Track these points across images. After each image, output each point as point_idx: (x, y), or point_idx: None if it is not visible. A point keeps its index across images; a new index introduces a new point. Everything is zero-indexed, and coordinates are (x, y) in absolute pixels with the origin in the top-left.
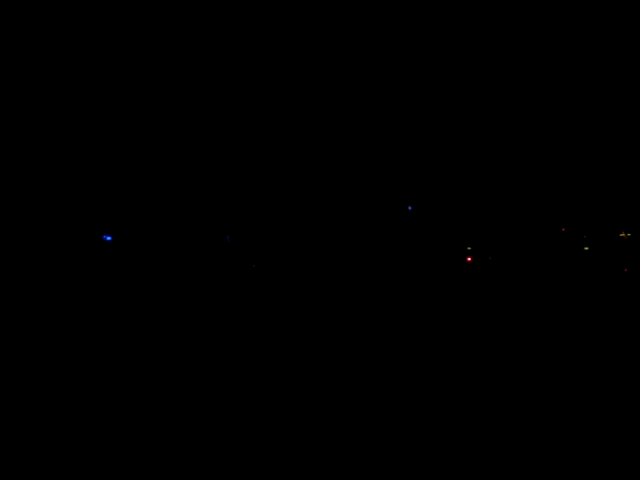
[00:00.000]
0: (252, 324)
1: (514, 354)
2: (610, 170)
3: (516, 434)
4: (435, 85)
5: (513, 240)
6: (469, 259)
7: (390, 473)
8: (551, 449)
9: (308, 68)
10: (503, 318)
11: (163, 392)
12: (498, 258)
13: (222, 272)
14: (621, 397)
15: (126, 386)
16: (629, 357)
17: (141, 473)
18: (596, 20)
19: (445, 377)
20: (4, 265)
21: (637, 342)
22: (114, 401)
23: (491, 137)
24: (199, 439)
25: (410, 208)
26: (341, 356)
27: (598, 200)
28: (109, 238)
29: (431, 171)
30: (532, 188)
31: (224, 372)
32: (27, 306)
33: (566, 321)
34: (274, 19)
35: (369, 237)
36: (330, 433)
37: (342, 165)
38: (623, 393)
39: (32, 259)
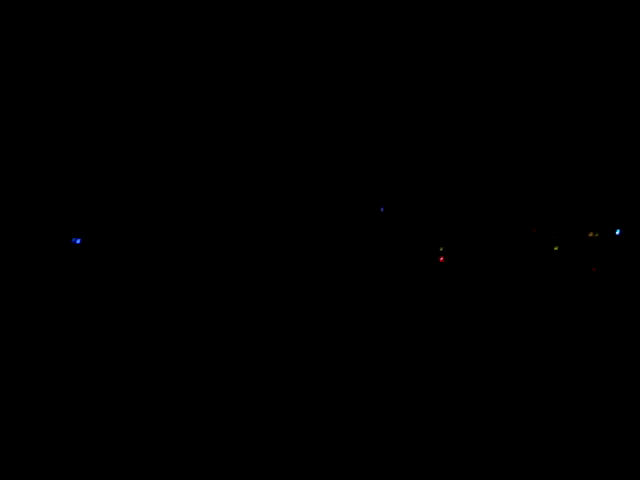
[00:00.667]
0: (235, 325)
1: (490, 354)
2: (581, 170)
3: (504, 435)
4: (415, 86)
5: (484, 240)
6: (441, 259)
7: (390, 473)
8: (545, 449)
9: (304, 67)
10: (478, 318)
11: (159, 391)
12: (469, 258)
13: (205, 272)
14: (597, 393)
15: (121, 386)
16: (603, 355)
17: (141, 473)
18: (596, 20)
19: (421, 378)
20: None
21: (606, 339)
22: (110, 401)
23: (464, 138)
24: (197, 439)
25: (382, 209)
26: (319, 356)
27: (568, 200)
28: (79, 241)
29: (404, 171)
30: (503, 189)
31: (221, 371)
32: (21, 305)
33: (539, 319)
34: (274, 19)
35: (342, 237)
36: (327, 432)
37: (315, 165)
38: (599, 390)
39: (28, 256)
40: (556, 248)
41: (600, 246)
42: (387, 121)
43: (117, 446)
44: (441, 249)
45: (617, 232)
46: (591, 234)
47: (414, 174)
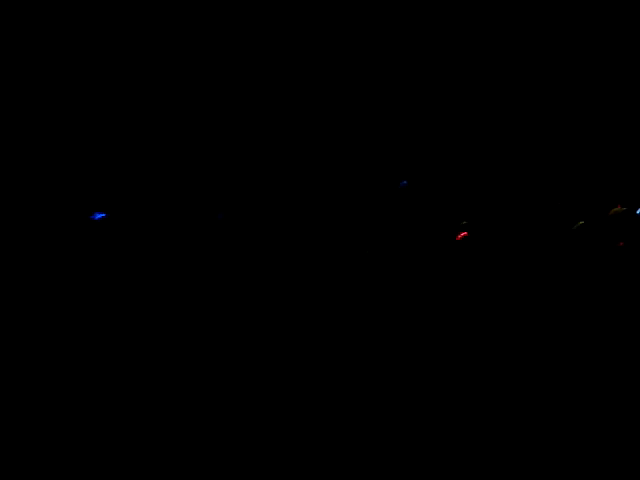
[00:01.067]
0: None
1: (510, 344)
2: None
3: (509, 432)
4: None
5: (509, 217)
6: (463, 234)
7: (389, 473)
8: (541, 448)
9: (306, 67)
10: (499, 304)
11: (160, 391)
12: (493, 235)
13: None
14: (615, 392)
15: (118, 385)
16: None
17: (141, 473)
18: (596, 20)
19: (438, 370)
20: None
21: (634, 330)
22: (110, 401)
23: (487, 121)
24: (197, 439)
25: (405, 182)
26: (334, 350)
27: (592, 174)
28: (99, 216)
29: (425, 148)
30: (529, 166)
31: (221, 368)
32: (21, 299)
33: (565, 307)
34: (274, 19)
35: (362, 213)
36: (326, 432)
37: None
38: (618, 388)
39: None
40: (581, 222)
41: (628, 221)
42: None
43: (117, 446)
44: (464, 223)
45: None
46: (619, 207)
47: (436, 151)
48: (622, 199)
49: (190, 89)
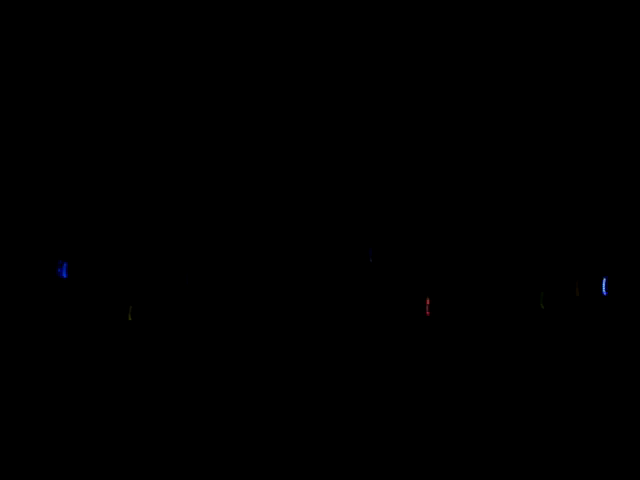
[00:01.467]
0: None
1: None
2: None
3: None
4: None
5: (474, 293)
6: (427, 312)
7: (389, 473)
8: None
9: (298, 70)
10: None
11: (159, 392)
12: (457, 311)
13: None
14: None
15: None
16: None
17: (141, 473)
18: (596, 20)
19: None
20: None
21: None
22: (110, 401)
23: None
24: (197, 439)
25: (370, 252)
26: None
27: (557, 251)
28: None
29: (392, 212)
30: (492, 239)
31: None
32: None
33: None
34: (274, 19)
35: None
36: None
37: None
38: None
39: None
40: (542, 306)
41: (588, 305)
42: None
43: (117, 446)
44: (428, 301)
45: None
46: (577, 292)
47: (402, 217)
48: (584, 279)
49: (188, 103)
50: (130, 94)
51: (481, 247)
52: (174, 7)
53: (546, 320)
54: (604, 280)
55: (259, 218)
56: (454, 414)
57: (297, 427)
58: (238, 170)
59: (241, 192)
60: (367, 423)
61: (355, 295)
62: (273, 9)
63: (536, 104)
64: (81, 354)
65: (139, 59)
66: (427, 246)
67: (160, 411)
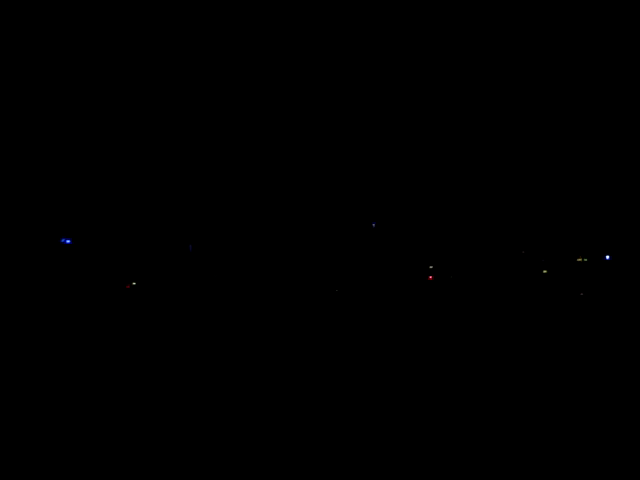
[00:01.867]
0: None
1: (473, 374)
2: (572, 194)
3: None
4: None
5: (474, 260)
6: (430, 277)
7: (388, 473)
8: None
9: (303, 72)
10: (464, 338)
11: (160, 392)
12: (459, 277)
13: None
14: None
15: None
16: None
17: (141, 473)
18: (596, 20)
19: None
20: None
21: (590, 362)
22: (111, 401)
23: (458, 156)
24: (197, 439)
25: (374, 224)
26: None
27: (557, 224)
28: (69, 241)
29: (397, 188)
30: (495, 210)
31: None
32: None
33: (524, 343)
34: (274, 19)
35: (333, 252)
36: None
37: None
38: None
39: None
40: (545, 271)
41: (589, 271)
42: (382, 133)
43: (117, 446)
44: (431, 267)
45: (606, 257)
46: (580, 259)
47: (407, 188)
48: (585, 248)
49: (188, 104)
50: (137, 90)
51: (485, 226)
52: (174, 8)
53: (547, 285)
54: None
55: (262, 200)
56: (458, 393)
57: (299, 403)
58: (242, 158)
59: (243, 178)
60: (373, 405)
61: (361, 262)
62: (273, 9)
63: (541, 102)
64: (84, 320)
65: (141, 60)
66: (431, 218)
67: (161, 392)
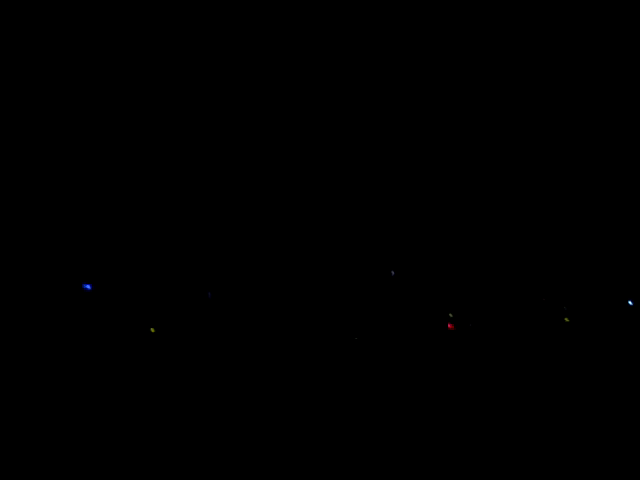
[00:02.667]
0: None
1: (494, 423)
2: (592, 241)
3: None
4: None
5: (494, 309)
6: (450, 326)
7: (387, 473)
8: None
9: (303, 69)
10: (485, 384)
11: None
12: (479, 326)
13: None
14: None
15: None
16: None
17: (141, 473)
18: (596, 20)
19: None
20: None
21: (614, 413)
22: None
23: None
24: (197, 439)
25: (393, 273)
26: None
27: (580, 270)
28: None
29: (415, 233)
30: (514, 258)
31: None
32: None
33: (545, 391)
34: (274, 19)
35: (352, 298)
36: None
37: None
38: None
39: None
40: (567, 320)
41: (612, 318)
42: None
43: (117, 446)
44: (450, 315)
45: (630, 303)
46: (602, 306)
47: (426, 237)
48: (606, 294)
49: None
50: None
51: (503, 264)
52: (174, 8)
53: (569, 333)
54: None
55: (282, 233)
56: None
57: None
58: (261, 188)
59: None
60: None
61: (380, 309)
62: (273, 10)
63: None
64: (105, 364)
65: (141, 60)
66: (449, 262)
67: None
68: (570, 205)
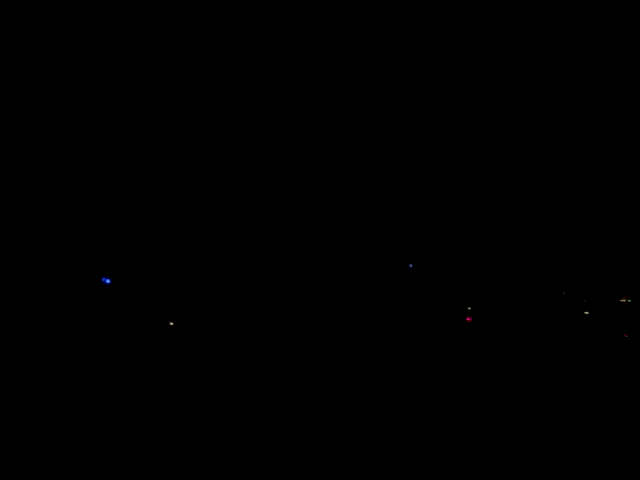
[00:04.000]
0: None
1: (512, 417)
2: (611, 232)
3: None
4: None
5: (513, 302)
6: (469, 319)
7: (387, 473)
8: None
9: (304, 70)
10: (501, 378)
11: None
12: (497, 319)
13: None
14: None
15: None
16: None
17: (141, 473)
18: (596, 20)
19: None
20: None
21: (635, 408)
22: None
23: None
24: (197, 439)
25: (411, 266)
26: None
27: (599, 264)
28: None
29: (432, 228)
30: (533, 250)
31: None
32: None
33: (565, 385)
34: (274, 19)
35: (370, 290)
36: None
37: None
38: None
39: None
40: (587, 313)
41: (633, 312)
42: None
43: (117, 446)
44: (469, 308)
45: None
46: (623, 300)
47: (443, 232)
48: (627, 290)
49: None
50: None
51: (523, 259)
52: (174, 8)
53: (588, 327)
54: None
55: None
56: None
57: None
58: (274, 191)
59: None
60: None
61: (397, 303)
62: (273, 10)
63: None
64: (122, 357)
65: (141, 60)
66: (468, 255)
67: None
68: (589, 200)
